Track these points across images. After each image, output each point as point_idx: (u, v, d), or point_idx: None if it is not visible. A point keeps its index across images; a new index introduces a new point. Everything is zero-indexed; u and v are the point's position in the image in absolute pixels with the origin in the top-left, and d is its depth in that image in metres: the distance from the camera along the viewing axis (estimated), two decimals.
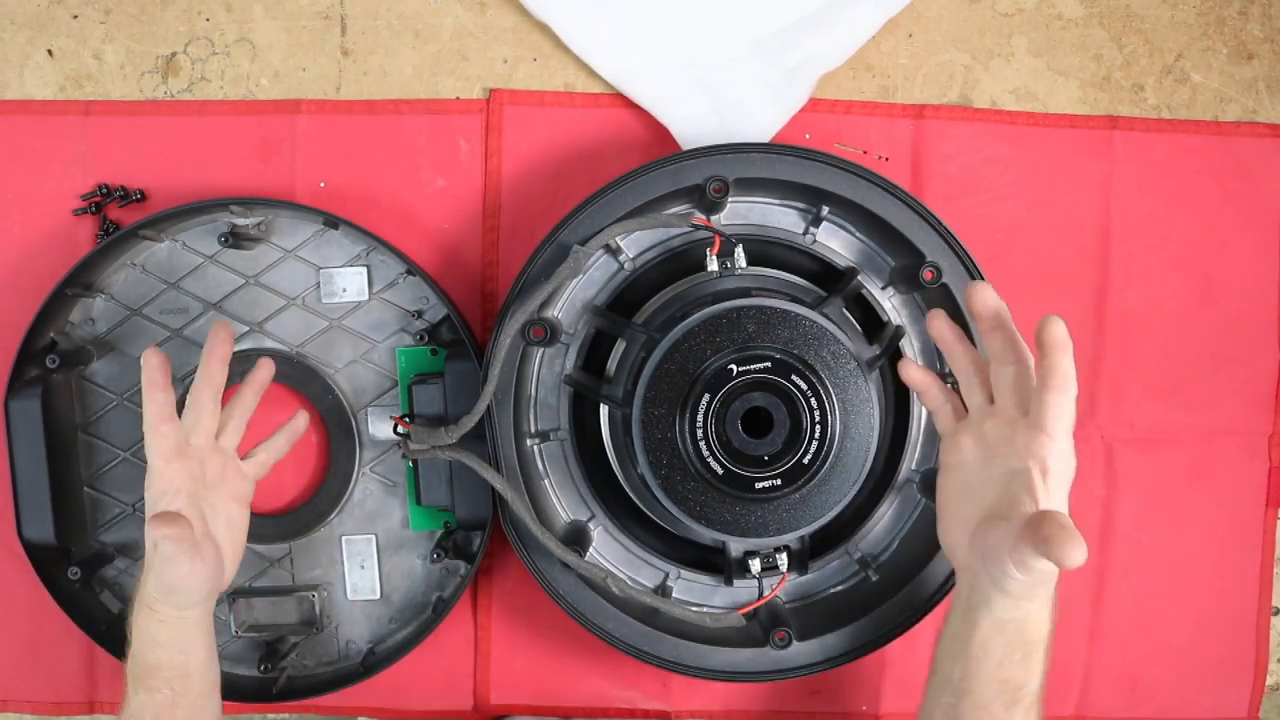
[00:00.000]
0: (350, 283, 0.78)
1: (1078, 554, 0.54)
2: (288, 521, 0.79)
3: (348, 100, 0.80)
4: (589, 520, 0.74)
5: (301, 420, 0.76)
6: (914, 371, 0.66)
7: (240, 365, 0.78)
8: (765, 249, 0.72)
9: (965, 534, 0.61)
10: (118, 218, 0.80)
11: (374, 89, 0.80)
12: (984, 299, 0.60)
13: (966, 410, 0.64)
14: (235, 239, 0.76)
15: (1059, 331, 0.56)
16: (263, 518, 0.80)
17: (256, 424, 0.80)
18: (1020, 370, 0.60)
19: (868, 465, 0.64)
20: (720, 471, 0.63)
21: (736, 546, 0.71)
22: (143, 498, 0.78)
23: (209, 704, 0.66)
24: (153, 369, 0.65)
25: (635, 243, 0.72)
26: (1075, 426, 0.79)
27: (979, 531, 0.60)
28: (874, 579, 0.73)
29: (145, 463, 0.78)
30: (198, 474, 0.66)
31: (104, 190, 0.79)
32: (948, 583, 0.72)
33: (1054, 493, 0.58)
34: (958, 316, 0.71)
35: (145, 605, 0.64)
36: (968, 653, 0.60)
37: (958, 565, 0.63)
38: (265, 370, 0.73)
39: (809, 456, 0.63)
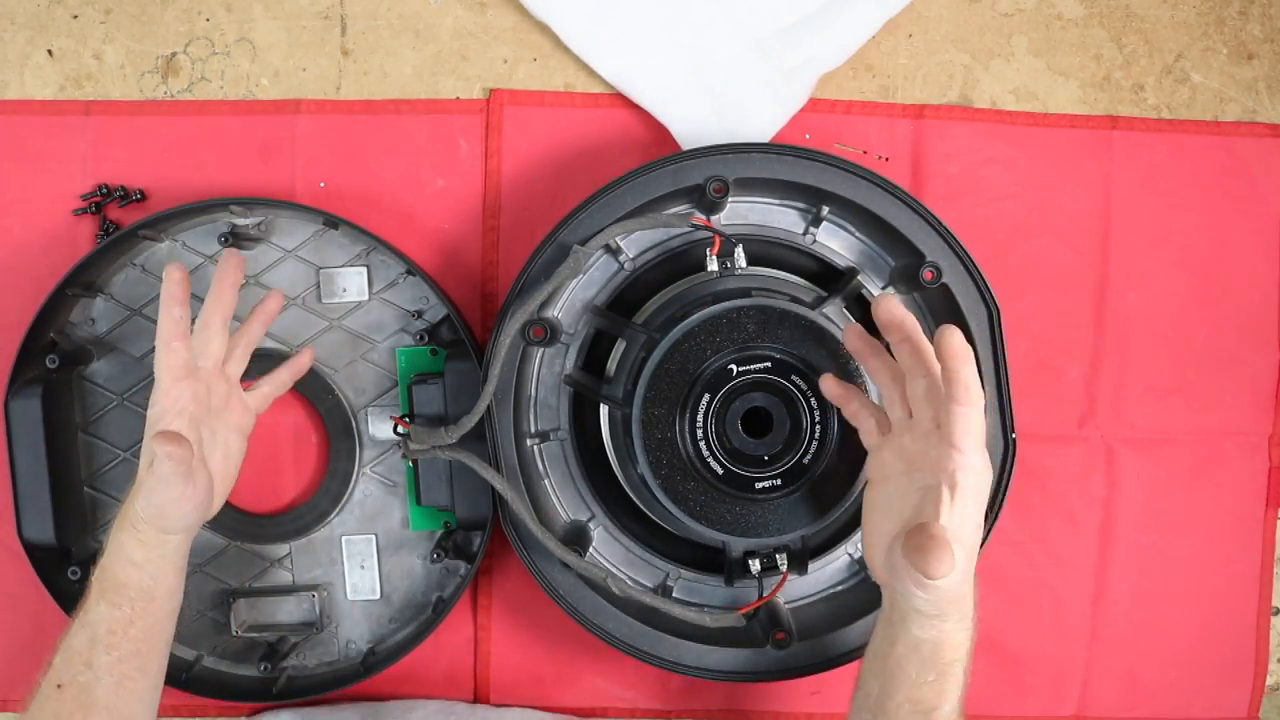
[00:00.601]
0: (350, 283, 0.78)
1: (938, 566, 0.53)
2: (288, 521, 0.79)
3: (348, 100, 0.80)
4: (589, 520, 0.74)
5: (306, 356, 0.75)
6: (831, 385, 0.63)
7: None
8: (765, 249, 0.72)
9: (883, 549, 0.60)
10: (118, 218, 0.80)
11: (374, 89, 0.80)
12: (888, 310, 0.59)
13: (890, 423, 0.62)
14: (235, 239, 0.76)
15: (955, 341, 0.55)
16: (263, 518, 0.80)
17: (258, 423, 0.80)
18: (931, 383, 0.58)
19: (868, 465, 0.64)
20: (720, 471, 0.63)
21: (736, 546, 0.71)
22: None
23: (164, 630, 0.65)
24: (174, 283, 0.65)
25: (635, 243, 0.72)
26: (1074, 432, 0.81)
27: (891, 547, 0.59)
28: (873, 579, 0.73)
29: None
30: (203, 397, 0.66)
31: (104, 190, 0.79)
32: None
33: (960, 508, 0.56)
34: (957, 321, 0.71)
35: (129, 522, 0.63)
36: (885, 670, 0.59)
37: (879, 580, 0.61)
38: (275, 300, 0.73)
39: (809, 456, 0.63)
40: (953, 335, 0.55)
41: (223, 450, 0.68)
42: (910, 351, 0.59)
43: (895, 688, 0.59)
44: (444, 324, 0.78)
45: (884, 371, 0.62)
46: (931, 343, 0.57)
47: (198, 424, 0.65)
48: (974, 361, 0.56)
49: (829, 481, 0.64)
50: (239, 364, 0.70)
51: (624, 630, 0.71)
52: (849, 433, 0.63)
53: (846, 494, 0.64)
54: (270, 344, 0.78)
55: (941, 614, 0.57)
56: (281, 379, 0.73)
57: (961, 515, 0.56)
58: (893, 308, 0.59)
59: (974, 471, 0.56)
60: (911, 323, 0.59)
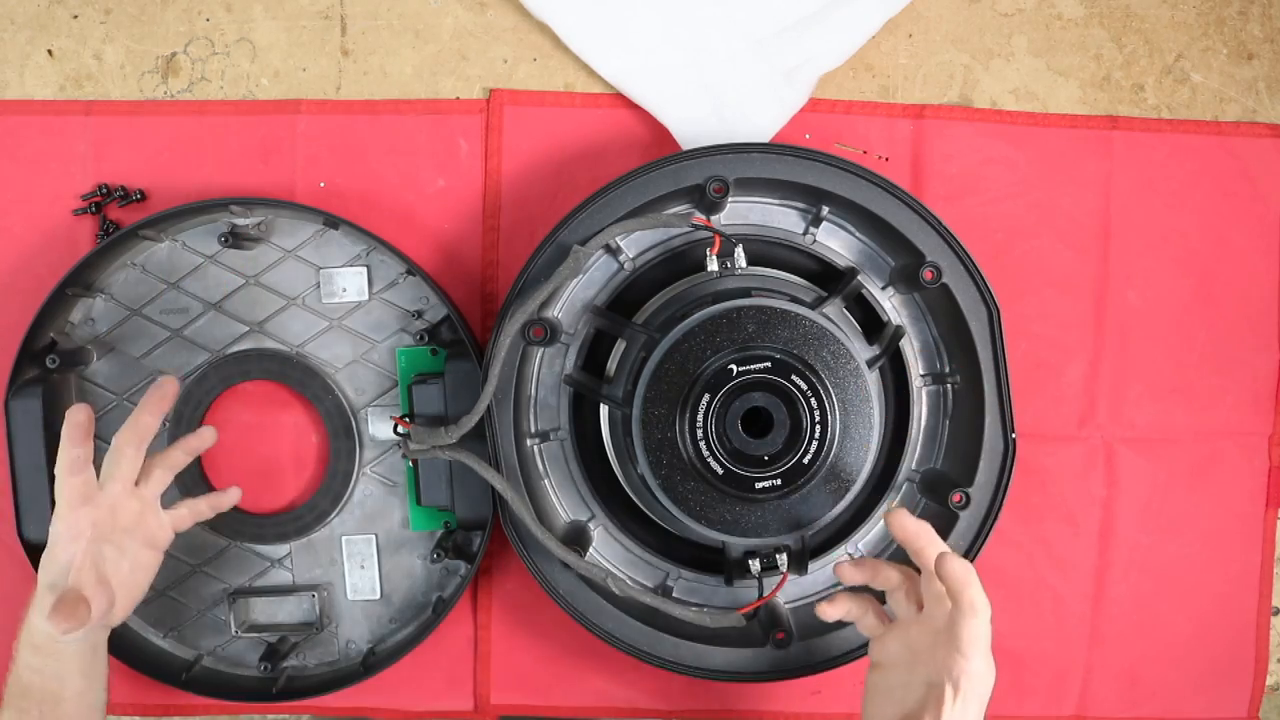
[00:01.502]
0: (350, 283, 0.78)
1: None
2: (288, 521, 0.79)
3: (348, 100, 0.80)
4: (589, 520, 0.74)
5: (232, 494, 0.75)
6: (829, 610, 0.67)
7: (240, 365, 0.78)
8: (765, 249, 0.72)
9: None
10: (118, 218, 0.80)
11: (374, 89, 0.80)
12: (901, 525, 0.63)
13: (890, 615, 0.66)
14: (235, 239, 0.76)
15: (954, 566, 0.59)
16: (263, 518, 0.80)
17: (258, 423, 0.80)
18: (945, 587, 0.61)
19: (868, 465, 0.64)
20: (720, 471, 0.63)
21: (736, 546, 0.71)
22: None
23: None
24: (74, 425, 0.67)
25: (635, 243, 0.72)
26: (1074, 432, 0.81)
27: None
28: None
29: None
30: (105, 520, 0.67)
31: (104, 190, 0.79)
32: None
33: (961, 711, 0.59)
34: (957, 321, 0.71)
35: (26, 629, 0.65)
36: None
37: None
38: (205, 438, 0.74)
39: (809, 456, 0.63)
40: (950, 562, 0.60)
41: (130, 564, 0.68)
42: (925, 561, 0.62)
43: None
44: (444, 324, 0.78)
45: (892, 574, 0.65)
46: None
47: (99, 544, 0.66)
48: (977, 578, 0.59)
49: (829, 481, 0.64)
50: (157, 485, 0.70)
51: (624, 630, 0.71)
52: (849, 433, 0.63)
53: (847, 493, 0.64)
54: (271, 344, 0.78)
55: None
56: (200, 508, 0.73)
57: (962, 717, 0.59)
58: (905, 523, 0.63)
59: (979, 678, 0.59)
60: (927, 535, 0.62)
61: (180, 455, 0.72)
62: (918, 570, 0.64)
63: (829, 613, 0.66)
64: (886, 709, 0.63)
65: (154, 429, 0.69)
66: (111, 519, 0.67)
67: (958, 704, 0.59)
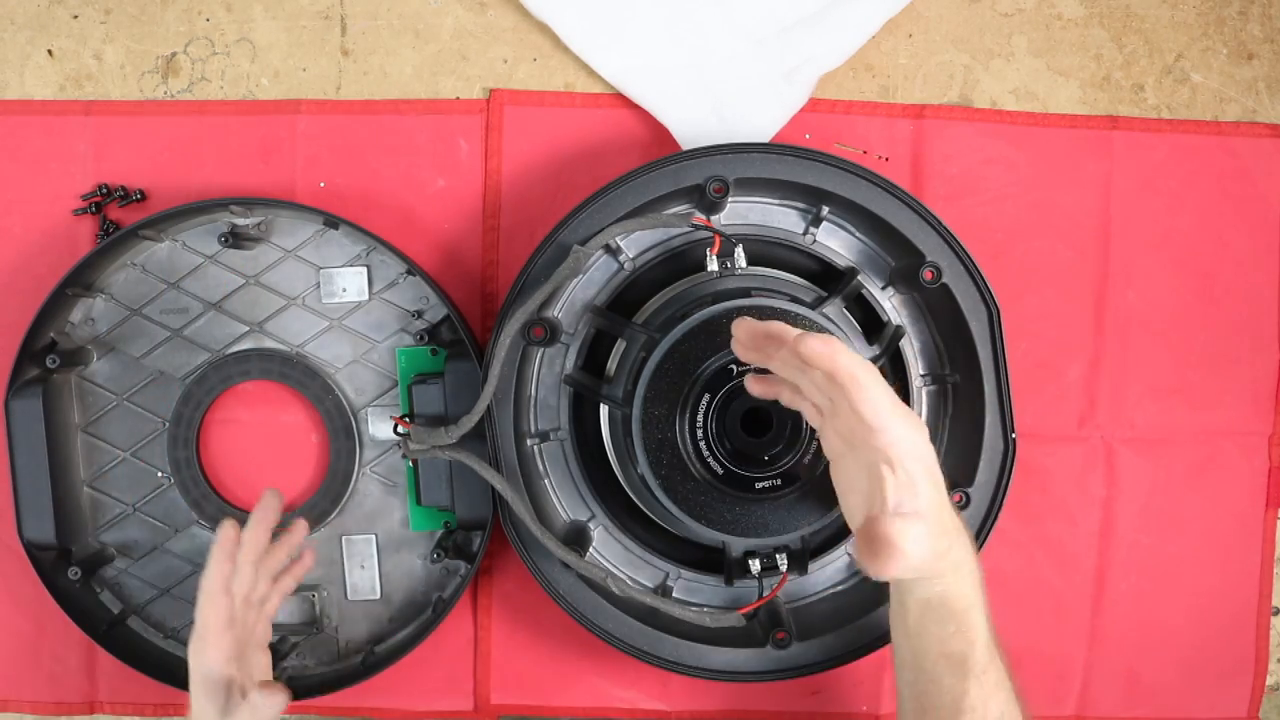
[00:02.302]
0: (350, 283, 0.78)
1: (888, 566, 0.55)
2: (287, 521, 0.79)
3: (348, 100, 0.80)
4: (589, 520, 0.74)
5: (307, 561, 0.75)
6: (753, 385, 0.62)
7: (240, 365, 0.78)
8: (765, 249, 0.72)
9: (858, 524, 0.60)
10: (118, 218, 0.80)
11: (374, 89, 0.80)
12: (746, 329, 0.59)
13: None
14: (235, 239, 0.76)
15: (812, 345, 0.54)
16: None
17: (258, 423, 0.80)
18: (821, 375, 0.57)
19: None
20: (720, 471, 0.63)
21: (736, 546, 0.71)
22: (142, 498, 0.79)
23: None
24: (226, 540, 0.67)
25: (635, 243, 0.72)
26: (1074, 432, 0.81)
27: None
28: (874, 579, 0.73)
29: (146, 464, 0.79)
30: (242, 637, 0.67)
31: (104, 190, 0.79)
32: None
33: (905, 480, 0.56)
34: (957, 321, 0.71)
35: None
36: (909, 632, 0.61)
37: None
38: (298, 535, 0.73)
39: (809, 456, 0.63)
40: (807, 342, 0.54)
41: (257, 668, 0.69)
42: (791, 354, 0.57)
43: (924, 646, 0.60)
44: (444, 324, 0.78)
45: (782, 371, 0.60)
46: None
47: (240, 658, 0.67)
48: (843, 350, 0.55)
49: (829, 481, 0.64)
50: (273, 607, 0.70)
51: (624, 630, 0.71)
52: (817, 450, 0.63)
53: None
54: (271, 343, 0.78)
55: (934, 575, 0.58)
56: (287, 587, 0.73)
57: (909, 488, 0.56)
58: (750, 326, 0.58)
59: (901, 441, 0.55)
60: (777, 329, 0.58)
61: (290, 582, 0.72)
62: None
63: (753, 387, 0.61)
64: (851, 500, 0.59)
65: (266, 541, 0.68)
66: (245, 635, 0.68)
67: (898, 477, 0.55)
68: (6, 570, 0.81)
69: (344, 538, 0.80)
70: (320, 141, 0.79)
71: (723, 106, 0.78)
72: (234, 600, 0.66)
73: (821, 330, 0.63)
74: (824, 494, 0.64)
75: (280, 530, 0.71)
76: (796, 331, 0.57)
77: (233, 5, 0.80)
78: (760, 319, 0.59)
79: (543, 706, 0.82)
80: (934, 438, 0.74)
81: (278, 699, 0.65)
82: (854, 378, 0.55)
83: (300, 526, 0.73)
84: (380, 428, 0.79)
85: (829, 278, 0.72)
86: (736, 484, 0.63)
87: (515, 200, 0.80)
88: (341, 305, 0.78)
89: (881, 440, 0.55)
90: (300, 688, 0.78)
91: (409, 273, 0.77)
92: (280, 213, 0.77)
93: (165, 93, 0.81)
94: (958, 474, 0.73)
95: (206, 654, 0.65)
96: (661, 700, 0.82)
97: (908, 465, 0.56)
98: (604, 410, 0.72)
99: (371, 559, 0.80)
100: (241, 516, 0.79)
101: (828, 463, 0.61)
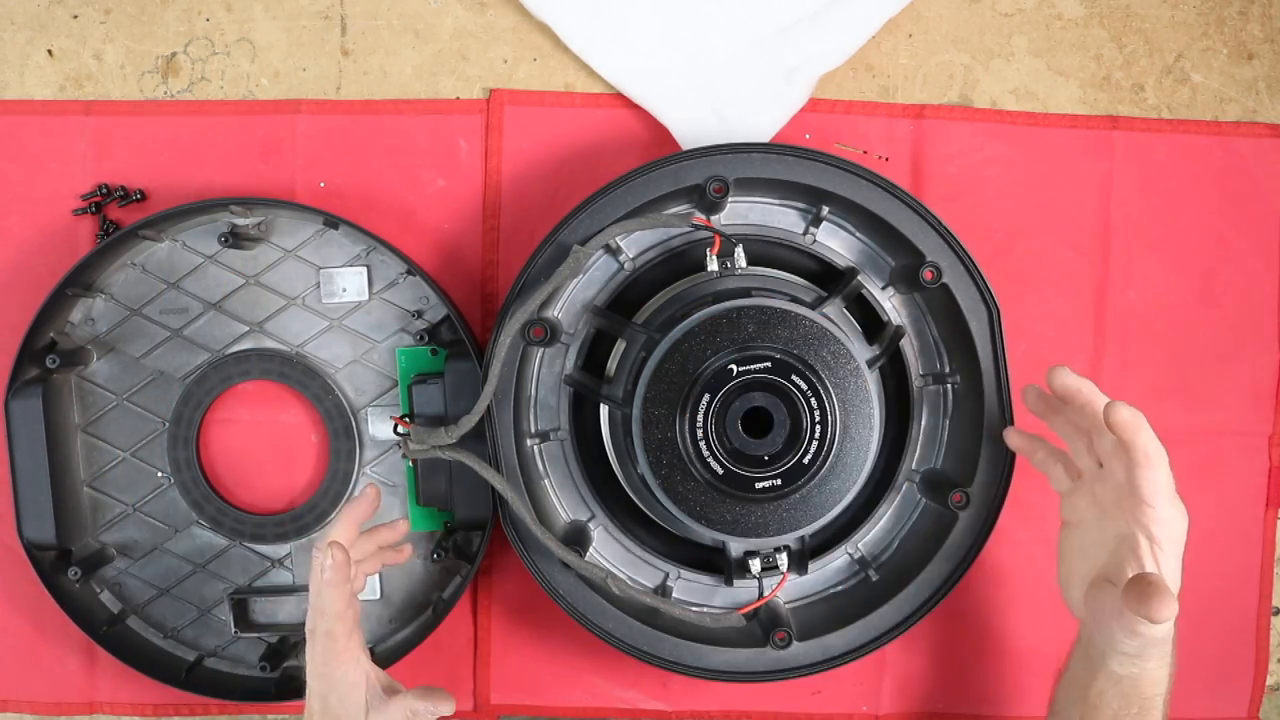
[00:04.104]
0: (350, 283, 0.78)
1: (1162, 611, 0.57)
2: (288, 521, 0.79)
3: (348, 100, 0.80)
4: (589, 520, 0.74)
5: (400, 526, 0.74)
6: (1015, 438, 0.67)
7: (240, 365, 0.78)
8: (765, 249, 0.72)
9: (1081, 590, 0.63)
10: (118, 218, 0.80)
11: (374, 89, 0.80)
12: (1063, 381, 0.62)
13: (1079, 469, 0.65)
14: (235, 239, 0.76)
15: (1123, 414, 0.57)
16: (263, 518, 0.80)
17: (258, 423, 0.80)
18: (1117, 440, 0.60)
19: (868, 465, 0.64)
20: (720, 471, 0.63)
21: (736, 546, 0.71)
22: (142, 498, 0.79)
23: None
24: (340, 563, 0.64)
25: (635, 243, 0.72)
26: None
27: (1091, 592, 0.62)
28: (874, 579, 0.73)
29: (146, 464, 0.79)
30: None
31: (104, 190, 0.79)
32: (947, 583, 0.72)
33: (1163, 559, 0.59)
34: (957, 321, 0.71)
35: None
36: (1085, 700, 0.63)
37: (1077, 616, 0.65)
38: (397, 531, 0.73)
39: (809, 456, 0.63)
40: (1118, 410, 0.57)
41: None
42: (1091, 415, 0.61)
43: (1096, 717, 0.63)
44: (444, 324, 0.78)
45: (1068, 424, 0.64)
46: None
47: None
48: (1147, 425, 0.58)
49: (829, 481, 0.64)
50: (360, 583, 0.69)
51: (624, 630, 0.71)
52: (849, 433, 0.63)
53: (847, 494, 0.64)
54: (271, 343, 0.78)
55: (1144, 656, 0.61)
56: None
57: (1166, 567, 0.59)
58: (1067, 379, 0.61)
59: (1170, 524, 0.59)
60: (1089, 389, 0.61)
61: (370, 545, 0.71)
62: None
63: (1015, 440, 0.66)
64: (1082, 567, 0.63)
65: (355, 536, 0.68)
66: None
67: (1157, 553, 0.59)
68: (6, 570, 0.81)
69: None
70: (320, 141, 0.79)
71: (723, 106, 0.78)
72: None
73: (829, 332, 0.63)
74: (824, 494, 0.64)
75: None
76: (1106, 399, 0.59)
77: (233, 5, 0.80)
78: (765, 314, 0.59)
79: (543, 706, 0.82)
80: (934, 438, 0.74)
81: (443, 705, 0.64)
82: (1148, 456, 0.57)
83: (403, 524, 0.73)
84: (380, 428, 0.79)
85: (829, 278, 0.72)
86: (736, 484, 0.63)
87: (515, 200, 0.80)
88: (341, 305, 0.78)
89: (1149, 517, 0.58)
90: (301, 688, 0.77)
91: (409, 273, 0.77)
92: (280, 213, 0.77)
93: (165, 93, 0.81)
94: (958, 474, 0.73)
95: (340, 662, 0.63)
96: (661, 700, 0.82)
97: (1167, 548, 0.59)
98: (604, 410, 0.72)
99: None
100: (241, 516, 0.79)
101: (827, 463, 0.61)
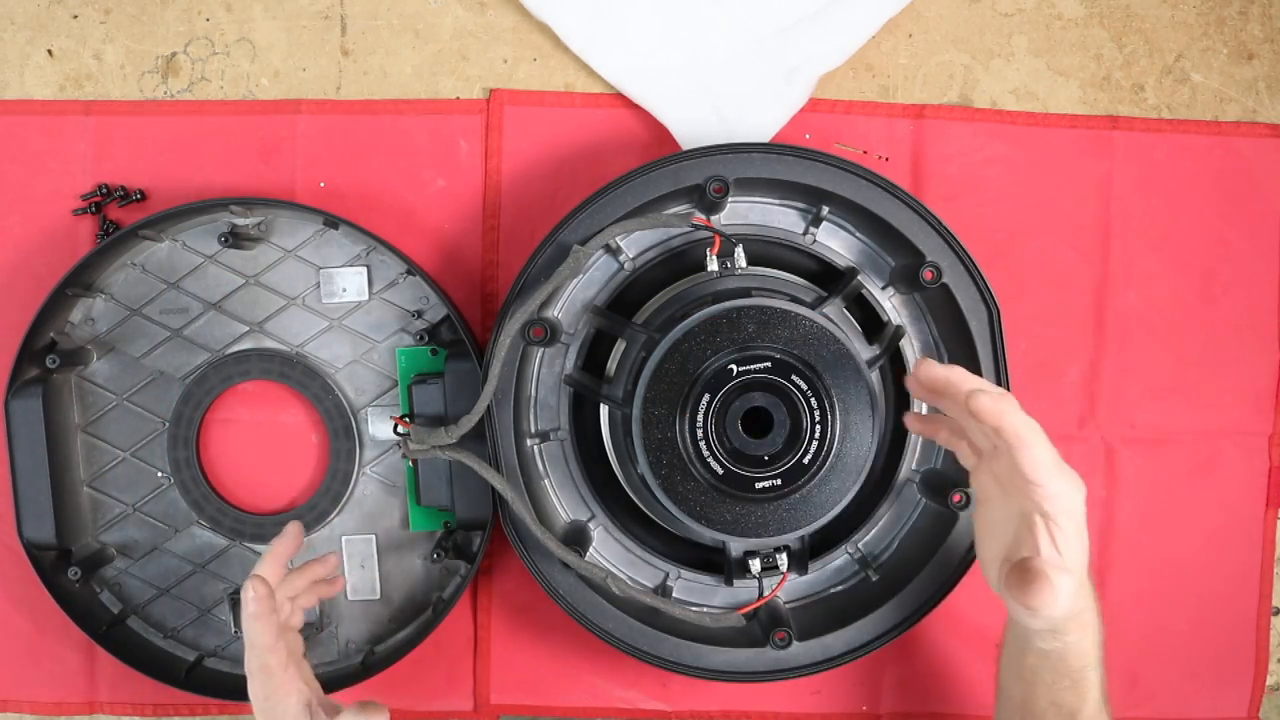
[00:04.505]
0: (350, 283, 0.78)
1: (1038, 599, 0.57)
2: (288, 521, 0.79)
3: (348, 100, 0.80)
4: (589, 520, 0.74)
5: (330, 569, 0.75)
6: (915, 422, 0.67)
7: (240, 365, 0.78)
8: (765, 249, 0.72)
9: (996, 569, 0.62)
10: (118, 218, 0.80)
11: (374, 89, 0.80)
12: (929, 376, 0.60)
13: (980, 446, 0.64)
14: (235, 239, 0.76)
15: (983, 404, 0.56)
16: (263, 518, 0.80)
17: (258, 423, 0.80)
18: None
19: (868, 465, 0.64)
20: (720, 471, 0.63)
21: (736, 546, 0.71)
22: (142, 498, 0.79)
23: None
24: (263, 596, 0.65)
25: (635, 243, 0.72)
26: (1074, 432, 0.81)
27: (1001, 569, 0.61)
28: (874, 579, 0.73)
29: (146, 464, 0.79)
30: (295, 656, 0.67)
31: (104, 190, 0.79)
32: (947, 583, 0.72)
33: (1059, 536, 0.58)
34: (957, 321, 0.71)
35: None
36: (1021, 676, 0.63)
37: (997, 594, 0.64)
38: (328, 565, 0.74)
39: (809, 456, 0.63)
40: (978, 400, 0.56)
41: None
42: (959, 410, 0.59)
43: (1036, 693, 0.63)
44: (444, 324, 0.78)
45: (951, 411, 0.63)
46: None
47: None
48: (1013, 407, 0.57)
49: (829, 481, 0.64)
50: (297, 618, 0.71)
51: (624, 630, 0.71)
52: (849, 433, 0.63)
53: (847, 493, 0.64)
54: (271, 343, 0.78)
55: (1060, 630, 0.60)
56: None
57: (1063, 543, 0.58)
58: (933, 371, 0.60)
59: (1060, 498, 0.57)
60: (957, 378, 0.59)
61: (302, 581, 0.72)
62: None
63: (917, 426, 0.65)
64: (993, 545, 0.62)
65: (283, 573, 0.69)
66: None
67: (1051, 529, 0.57)
68: (6, 570, 0.81)
69: (344, 538, 0.80)
70: (320, 141, 0.79)
71: (723, 106, 0.78)
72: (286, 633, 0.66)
73: (829, 332, 0.63)
74: (824, 494, 0.64)
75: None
76: (971, 385, 0.58)
77: (233, 5, 0.80)
78: (765, 314, 0.59)
79: (543, 706, 0.82)
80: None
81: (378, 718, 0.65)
82: (1019, 437, 0.56)
83: (332, 558, 0.75)
84: (380, 428, 0.79)
85: (829, 278, 0.72)
86: (736, 484, 0.63)
87: (515, 200, 0.80)
88: (341, 305, 0.78)
89: (1039, 494, 0.57)
90: None
91: (409, 273, 0.77)
92: (280, 213, 0.77)
93: (165, 93, 0.81)
94: (958, 474, 0.73)
95: (279, 695, 0.64)
96: (661, 700, 0.82)
97: (1062, 522, 0.57)
98: (604, 410, 0.72)
99: (371, 559, 0.80)
100: (241, 516, 0.79)
101: (827, 463, 0.61)
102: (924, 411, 0.71)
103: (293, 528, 0.71)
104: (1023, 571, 0.58)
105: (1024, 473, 0.57)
